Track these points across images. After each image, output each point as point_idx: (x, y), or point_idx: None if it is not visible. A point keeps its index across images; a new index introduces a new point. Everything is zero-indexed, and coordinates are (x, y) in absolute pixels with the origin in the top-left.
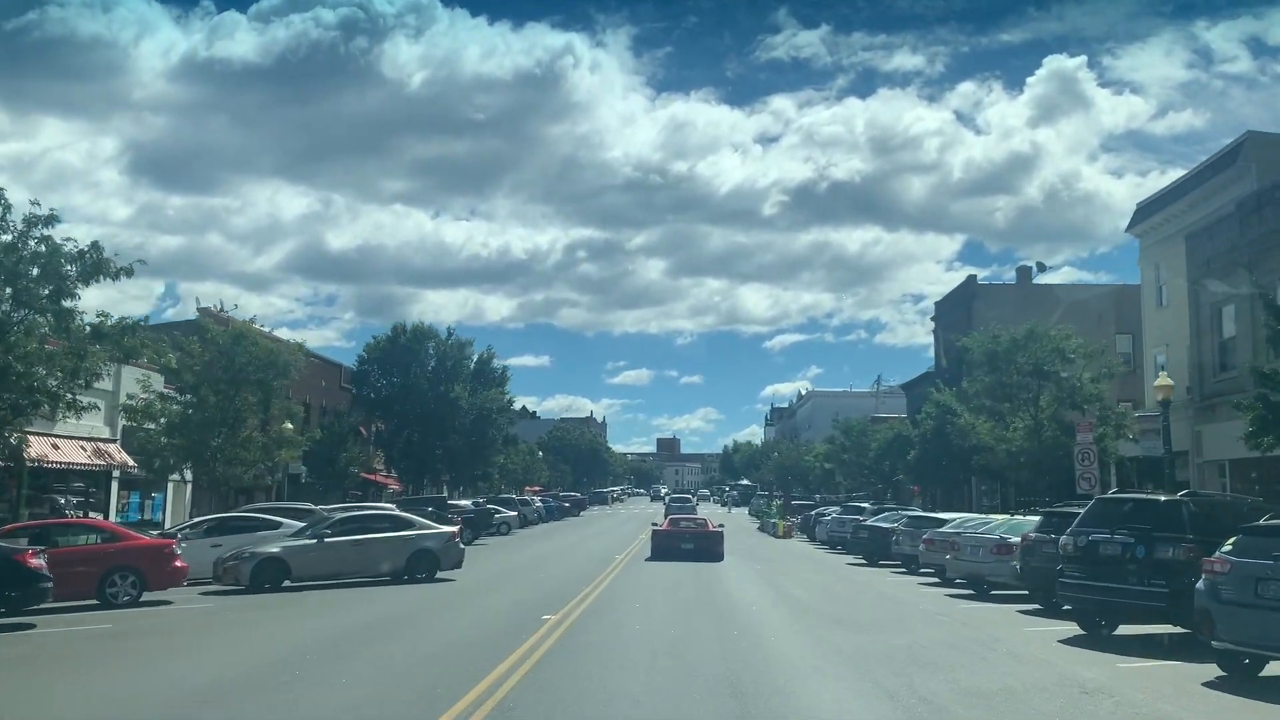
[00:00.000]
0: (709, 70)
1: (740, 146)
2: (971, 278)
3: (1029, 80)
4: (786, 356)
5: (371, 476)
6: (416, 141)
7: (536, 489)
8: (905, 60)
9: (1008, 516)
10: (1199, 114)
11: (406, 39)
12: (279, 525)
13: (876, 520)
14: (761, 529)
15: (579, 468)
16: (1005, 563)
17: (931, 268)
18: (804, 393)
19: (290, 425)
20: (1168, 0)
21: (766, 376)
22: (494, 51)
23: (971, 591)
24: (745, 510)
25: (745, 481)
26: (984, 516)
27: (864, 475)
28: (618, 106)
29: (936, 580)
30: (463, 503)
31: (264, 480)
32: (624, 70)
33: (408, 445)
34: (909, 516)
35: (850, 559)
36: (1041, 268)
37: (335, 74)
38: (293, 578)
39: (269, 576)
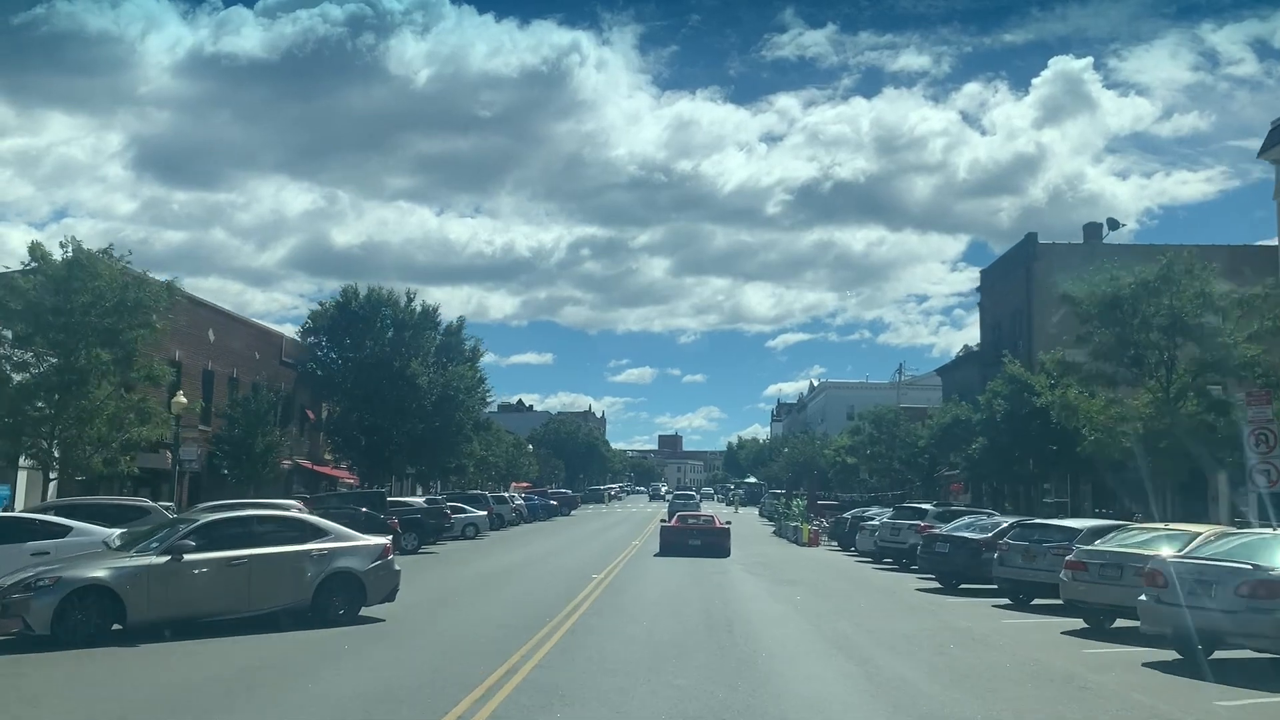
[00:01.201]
0: (714, 69)
1: (745, 145)
2: (1031, 237)
3: (1034, 81)
4: (790, 356)
5: (321, 469)
6: (421, 138)
7: (524, 485)
8: (911, 60)
9: (1221, 529)
10: (1204, 116)
11: (413, 35)
12: (67, 531)
13: (959, 528)
14: (779, 533)
15: (574, 464)
16: (1269, 614)
17: (935, 268)
18: (815, 384)
19: (184, 398)
20: (1171, 2)
21: (769, 376)
22: (500, 49)
23: (1179, 655)
24: (755, 511)
25: (752, 479)
26: (1146, 527)
27: (894, 471)
28: (623, 105)
29: (1084, 627)
30: (413, 500)
31: (126, 466)
32: (629, 69)
33: (361, 431)
34: (1017, 524)
35: (918, 581)
36: (1114, 224)
37: (341, 70)
38: (129, 620)
39: (88, 618)
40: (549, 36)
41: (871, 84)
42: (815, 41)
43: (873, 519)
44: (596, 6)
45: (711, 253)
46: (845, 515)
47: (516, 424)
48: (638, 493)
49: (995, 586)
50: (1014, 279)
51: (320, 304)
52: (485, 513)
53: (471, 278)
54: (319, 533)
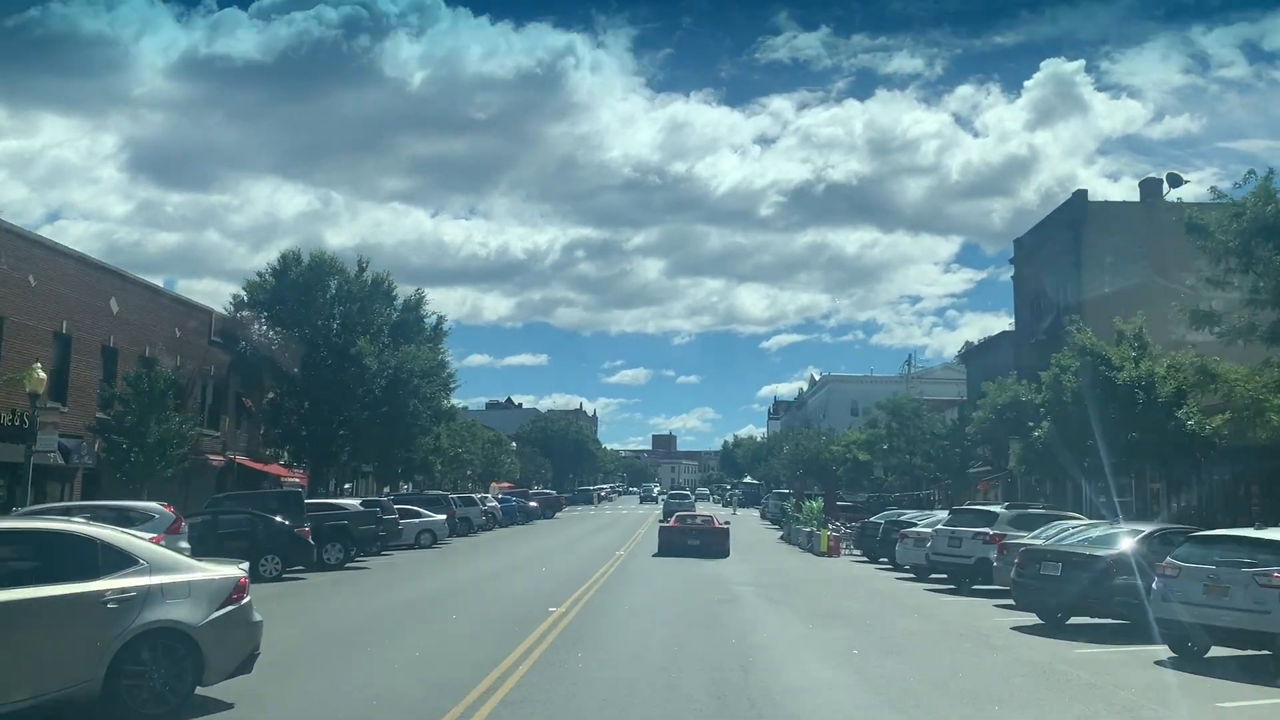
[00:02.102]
0: (708, 71)
1: (739, 147)
2: (1079, 195)
3: (1026, 84)
4: (783, 357)
5: (264, 467)
6: (416, 140)
7: (506, 486)
8: (904, 63)
9: None
10: (1195, 119)
11: (408, 37)
12: None
13: (1062, 539)
14: (787, 539)
15: (563, 463)
16: None
17: (928, 269)
18: (816, 379)
19: (41, 372)
20: (1160, 4)
21: (764, 377)
22: (495, 51)
23: None
24: (754, 512)
25: (749, 479)
26: None
27: (914, 468)
28: (617, 107)
29: None
30: (347, 503)
31: None
32: (624, 71)
33: (301, 420)
34: (1167, 535)
35: (1006, 616)
36: (1176, 181)
37: (335, 72)
38: None
39: None
40: (544, 39)
41: (864, 86)
42: (809, 44)
43: (914, 524)
44: (591, 9)
45: (705, 254)
46: (874, 519)
47: (503, 421)
48: (631, 494)
49: (1113, 622)
50: (1057, 245)
51: (259, 274)
52: (444, 517)
53: (466, 279)
54: (122, 561)
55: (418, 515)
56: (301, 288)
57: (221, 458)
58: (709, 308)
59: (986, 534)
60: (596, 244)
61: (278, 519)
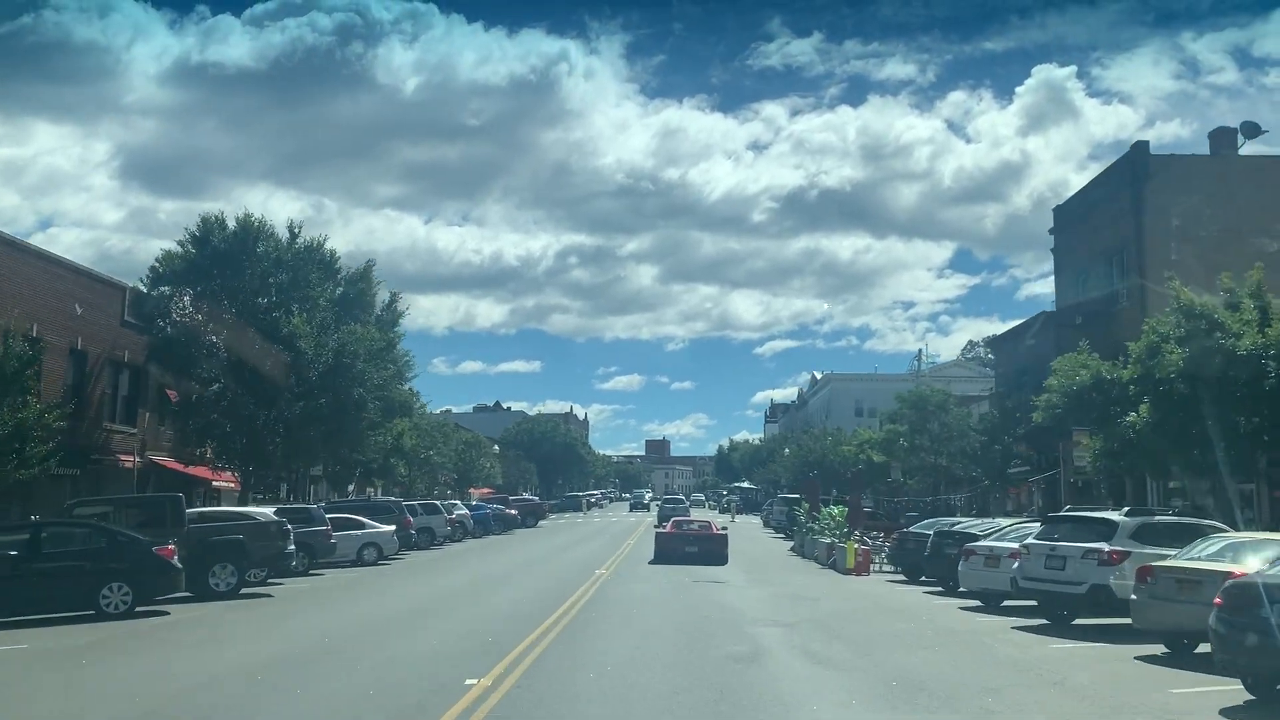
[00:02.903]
0: (701, 78)
1: (732, 154)
2: (1140, 147)
3: (1018, 90)
4: (777, 363)
5: (194, 470)
6: (409, 146)
7: (486, 491)
8: (897, 69)
9: None
10: (1186, 124)
11: (401, 44)
12: None
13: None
14: (800, 552)
15: (550, 468)
16: None
17: (921, 275)
18: (818, 377)
19: None
20: (1149, 10)
21: (758, 383)
22: (489, 57)
23: None
24: (755, 519)
25: (746, 484)
26: None
27: (940, 469)
28: (610, 113)
29: None
30: (256, 511)
31: None
32: (617, 77)
33: (224, 413)
34: None
35: (1173, 673)
36: (1253, 131)
37: (328, 79)
38: None
39: None
40: (537, 45)
41: (857, 92)
42: (802, 50)
43: (979, 537)
44: (584, 15)
45: (699, 260)
46: (915, 529)
47: (489, 424)
48: (623, 500)
49: None
50: (1112, 207)
51: (179, 243)
52: (391, 528)
53: (459, 286)
54: None
55: (360, 526)
56: (226, 257)
57: (135, 458)
58: (703, 314)
59: (1103, 551)
60: (590, 250)
61: (132, 534)
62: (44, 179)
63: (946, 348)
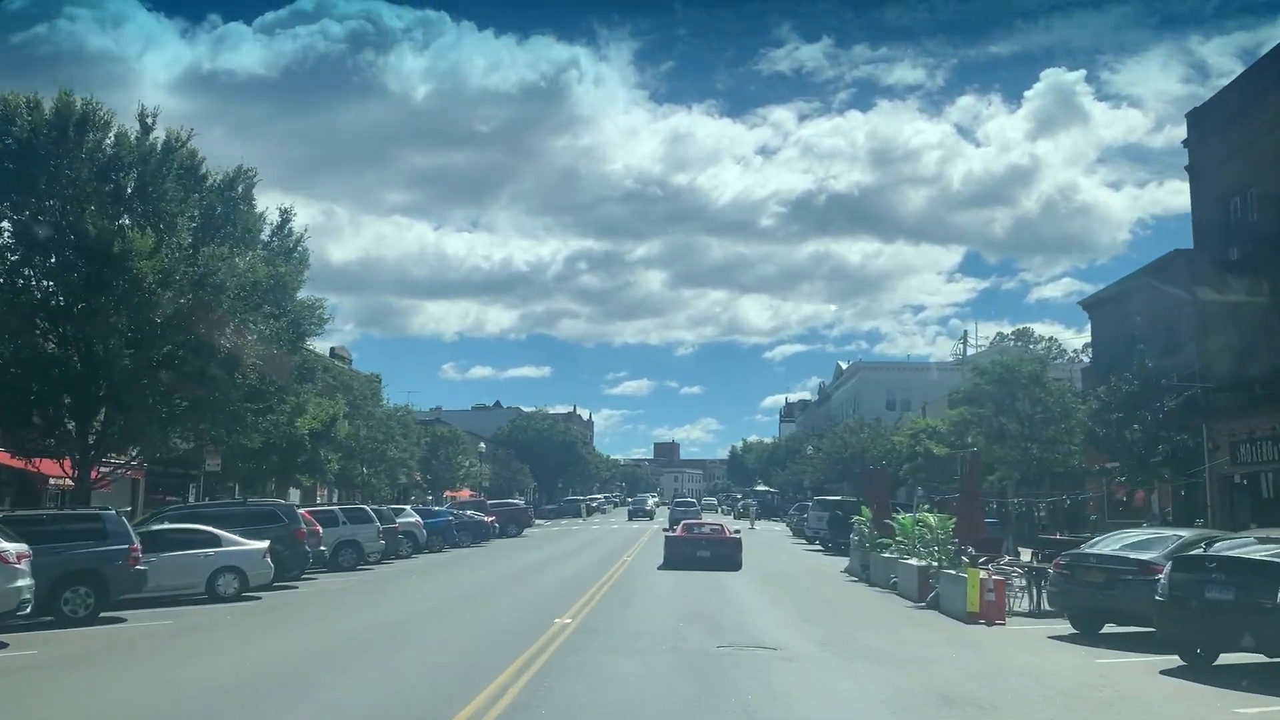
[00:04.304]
0: (710, 83)
1: (741, 159)
2: None
3: (1027, 94)
4: (787, 367)
5: (28, 465)
6: (419, 153)
7: (466, 493)
8: (905, 74)
9: None
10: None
11: (412, 51)
12: None
13: None
14: (862, 577)
15: (548, 469)
16: None
17: (930, 279)
18: (844, 368)
19: None
20: (1153, 13)
21: (767, 387)
22: (499, 64)
23: None
24: (780, 527)
25: (763, 487)
26: None
27: (1030, 460)
28: (619, 119)
29: None
30: None
31: None
32: (626, 83)
33: (28, 370)
34: None
35: None
36: None
37: (339, 86)
38: None
39: None
40: (547, 52)
41: (866, 97)
42: (810, 55)
43: None
44: (593, 22)
45: (708, 265)
46: (1104, 554)
47: (484, 422)
48: (627, 505)
49: None
50: (1269, 106)
51: None
52: (262, 546)
53: (469, 292)
54: None
55: (213, 543)
56: (37, 153)
57: None
58: (712, 318)
59: None
60: (599, 256)
61: None
62: None
63: (959, 351)
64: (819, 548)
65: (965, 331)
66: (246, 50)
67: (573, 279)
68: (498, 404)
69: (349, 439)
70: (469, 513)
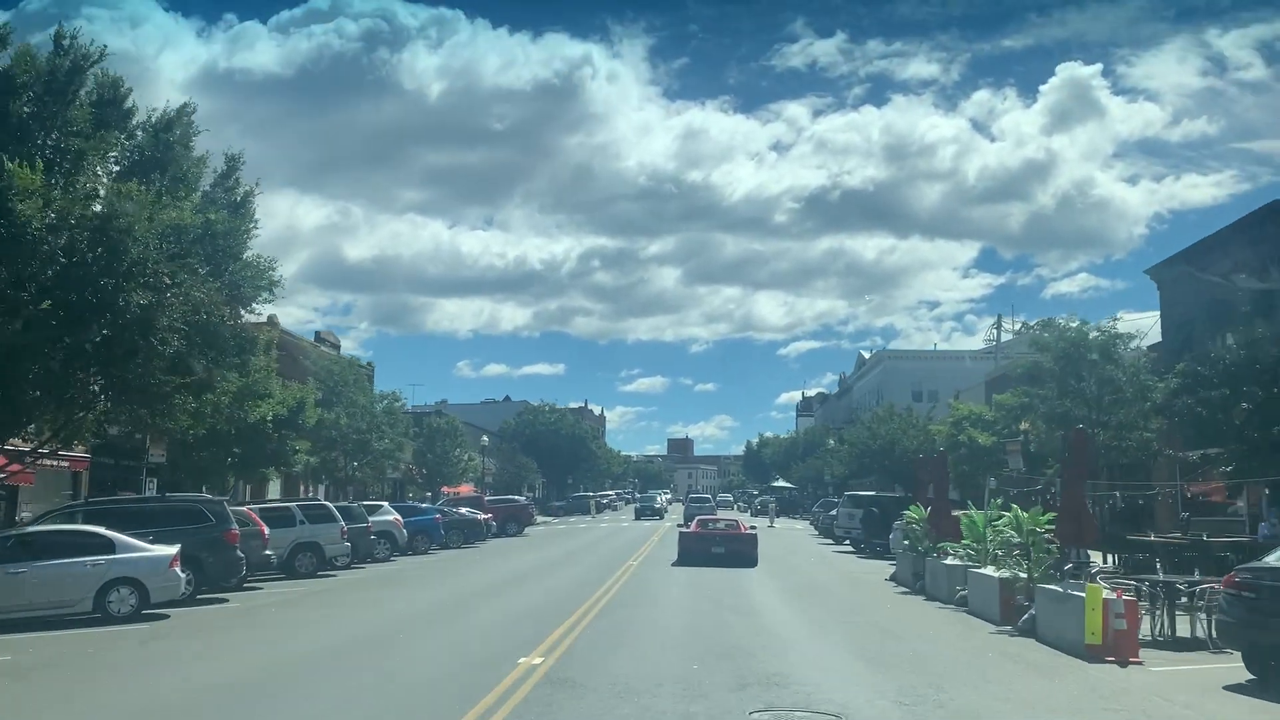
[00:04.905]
0: (723, 79)
1: (755, 155)
2: None
3: (1042, 88)
4: (801, 364)
5: None
6: (433, 151)
7: (465, 489)
8: (920, 69)
9: None
10: (1213, 121)
11: (426, 49)
12: None
13: None
14: (916, 588)
15: (557, 464)
16: None
17: (946, 274)
18: (866, 357)
19: None
20: (1170, 6)
21: (781, 384)
22: (513, 62)
23: None
24: (802, 525)
25: (781, 482)
26: None
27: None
28: (633, 116)
29: None
30: None
31: None
32: (639, 80)
33: None
34: None
35: None
36: None
37: (354, 85)
38: None
39: None
40: (561, 49)
41: (880, 92)
42: (824, 51)
43: None
44: (607, 19)
45: (722, 262)
46: None
47: (490, 416)
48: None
49: None
50: None
51: None
52: (168, 553)
53: (483, 290)
54: None
55: (100, 548)
56: None
57: None
58: (726, 315)
59: None
60: (612, 253)
61: None
62: None
63: (977, 342)
64: (849, 549)
65: (1000, 315)
66: (262, 49)
67: (586, 276)
68: (507, 398)
69: (322, 427)
70: (462, 510)
